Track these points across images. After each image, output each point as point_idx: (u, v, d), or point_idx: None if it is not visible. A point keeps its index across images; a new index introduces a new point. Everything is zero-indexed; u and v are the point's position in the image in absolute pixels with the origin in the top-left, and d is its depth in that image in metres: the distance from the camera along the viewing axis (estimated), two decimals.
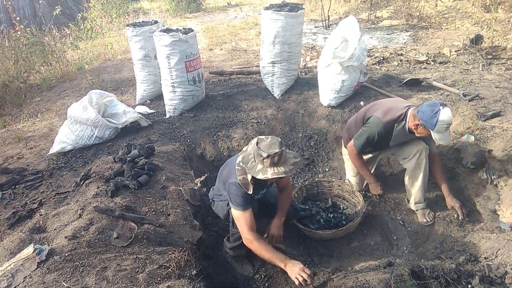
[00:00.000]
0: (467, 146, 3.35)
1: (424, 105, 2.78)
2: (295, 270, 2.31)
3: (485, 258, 2.76)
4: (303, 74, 5.24)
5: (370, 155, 3.42)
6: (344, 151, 3.76)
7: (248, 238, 2.50)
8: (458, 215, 3.07)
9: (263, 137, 2.43)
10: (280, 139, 2.42)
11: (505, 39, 5.68)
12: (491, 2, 6.95)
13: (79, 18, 9.18)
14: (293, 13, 4.23)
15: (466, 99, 3.91)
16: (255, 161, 2.40)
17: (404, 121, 2.94)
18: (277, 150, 2.32)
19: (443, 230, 3.10)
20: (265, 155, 2.32)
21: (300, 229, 3.07)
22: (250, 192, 2.46)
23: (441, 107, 2.69)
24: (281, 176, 2.36)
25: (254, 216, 2.64)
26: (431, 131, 2.75)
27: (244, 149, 2.59)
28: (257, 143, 2.38)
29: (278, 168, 2.35)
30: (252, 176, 2.44)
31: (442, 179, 3.17)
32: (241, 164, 2.50)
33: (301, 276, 2.28)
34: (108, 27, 9.62)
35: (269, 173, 2.34)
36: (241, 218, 2.52)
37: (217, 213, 2.92)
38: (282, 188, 2.86)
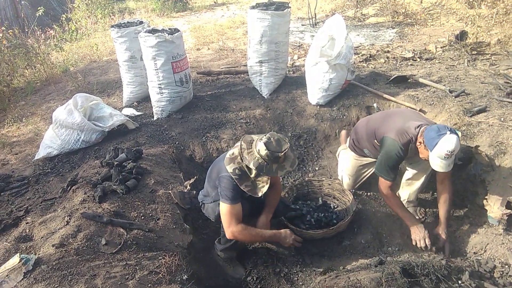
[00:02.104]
0: None
1: (435, 125, 2.65)
2: (287, 239, 2.70)
3: (474, 253, 2.80)
4: (291, 73, 5.24)
5: (374, 160, 3.23)
6: (340, 148, 3.77)
7: (237, 230, 2.54)
8: (440, 243, 2.89)
9: (265, 139, 2.42)
10: (277, 133, 2.53)
11: (488, 35, 5.75)
12: None
13: (63, 19, 9.00)
14: (280, 12, 4.22)
15: (453, 95, 3.95)
16: (269, 164, 2.43)
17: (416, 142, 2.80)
18: (288, 145, 2.46)
19: (433, 226, 3.12)
20: (282, 154, 2.41)
21: (291, 229, 3.05)
22: (263, 192, 2.50)
23: (448, 132, 2.53)
24: (291, 169, 2.52)
25: (244, 216, 2.65)
26: (429, 152, 2.61)
27: (230, 154, 2.56)
28: (267, 147, 2.39)
29: (286, 163, 2.49)
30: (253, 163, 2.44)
31: (445, 203, 2.93)
32: (237, 171, 2.47)
33: (293, 243, 2.71)
34: (94, 28, 9.45)
35: (285, 168, 2.49)
36: (229, 211, 2.54)
37: (207, 216, 2.89)
38: (272, 184, 2.85)
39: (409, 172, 3.19)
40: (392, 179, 2.92)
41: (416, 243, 2.89)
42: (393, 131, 2.84)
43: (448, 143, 2.51)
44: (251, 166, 2.42)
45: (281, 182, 3.03)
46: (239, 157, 2.51)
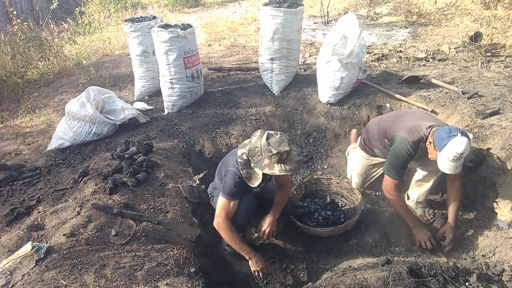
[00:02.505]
0: None
1: (447, 126, 2.62)
2: (254, 266, 2.67)
3: (482, 255, 2.78)
4: (302, 70, 5.23)
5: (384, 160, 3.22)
6: (350, 147, 3.76)
7: (222, 224, 2.59)
8: (445, 242, 2.89)
9: (272, 132, 2.46)
10: (287, 136, 2.47)
11: (504, 37, 5.67)
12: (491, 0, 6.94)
13: (77, 12, 9.10)
14: (293, 9, 4.21)
15: (465, 97, 3.91)
16: (262, 155, 2.44)
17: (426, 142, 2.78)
18: (287, 148, 2.38)
19: (442, 227, 3.11)
20: (274, 151, 2.37)
21: (299, 226, 3.07)
22: (255, 185, 2.51)
23: (459, 134, 2.49)
24: (287, 173, 2.46)
25: (252, 212, 2.76)
26: (438, 153, 2.59)
27: (246, 141, 2.61)
28: (267, 138, 2.41)
29: (284, 165, 2.43)
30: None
31: (454, 203, 2.91)
32: (244, 156, 2.51)
33: (259, 272, 2.68)
34: (106, 22, 9.53)
35: (276, 169, 2.42)
36: (223, 205, 2.60)
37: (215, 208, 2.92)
38: (281, 184, 2.88)
39: (419, 173, 3.17)
40: (399, 179, 2.91)
41: (420, 245, 2.91)
42: (404, 130, 2.83)
43: (458, 145, 2.49)
44: (246, 149, 2.50)
45: (290, 182, 3.02)
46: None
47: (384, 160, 3.15)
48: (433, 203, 3.40)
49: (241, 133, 4.01)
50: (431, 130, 2.72)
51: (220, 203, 2.62)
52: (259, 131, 2.56)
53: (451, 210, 2.93)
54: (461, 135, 2.51)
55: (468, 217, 3.18)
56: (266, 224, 2.78)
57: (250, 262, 2.69)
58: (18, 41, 6.28)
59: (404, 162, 2.87)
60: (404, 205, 3.03)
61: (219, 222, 2.61)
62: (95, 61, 6.78)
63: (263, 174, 2.49)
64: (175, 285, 2.20)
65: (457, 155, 2.50)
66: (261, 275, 2.71)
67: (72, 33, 8.48)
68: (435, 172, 3.03)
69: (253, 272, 2.72)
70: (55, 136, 3.88)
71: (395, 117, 3.08)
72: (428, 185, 3.14)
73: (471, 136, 3.34)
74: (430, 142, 2.70)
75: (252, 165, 2.49)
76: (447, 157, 2.54)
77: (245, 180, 2.51)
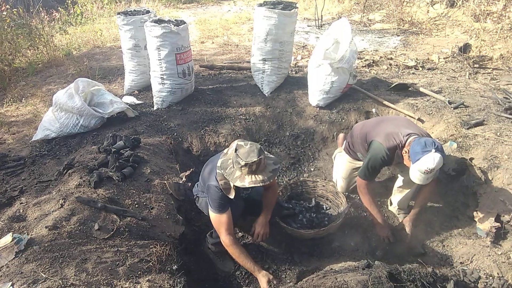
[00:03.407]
0: (449, 153, 3.42)
1: (423, 139, 2.67)
2: (263, 281, 2.51)
3: (460, 263, 2.84)
4: (294, 72, 5.25)
5: None
6: (336, 151, 3.79)
7: (225, 242, 2.56)
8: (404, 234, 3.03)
9: (242, 143, 2.40)
10: (259, 146, 2.40)
11: (492, 49, 5.80)
12: (481, 12, 7.08)
13: (69, 1, 8.97)
14: (287, 12, 4.23)
15: (452, 107, 3.99)
16: (234, 168, 2.39)
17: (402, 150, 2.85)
18: (255, 159, 2.30)
19: (423, 234, 3.17)
20: (243, 163, 2.31)
21: (283, 227, 3.09)
22: (232, 197, 2.47)
23: (433, 150, 2.56)
24: (259, 185, 2.37)
25: (239, 215, 2.71)
26: (411, 164, 2.67)
27: (225, 151, 2.56)
28: (235, 150, 2.36)
29: (256, 176, 2.36)
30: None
31: (420, 199, 3.07)
32: (219, 164, 2.48)
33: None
34: (99, 13, 9.43)
35: (247, 181, 2.35)
36: (218, 221, 2.57)
37: (201, 209, 2.91)
38: (268, 186, 2.88)
39: (400, 180, 3.23)
40: (369, 179, 3.03)
41: (381, 239, 3.09)
42: (382, 136, 2.90)
43: (430, 161, 2.56)
44: (219, 162, 2.47)
45: (277, 184, 3.01)
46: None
47: None
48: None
49: (230, 132, 4.02)
50: (408, 138, 2.78)
51: (215, 219, 2.58)
52: (236, 141, 2.49)
53: (416, 205, 3.08)
54: (435, 151, 2.57)
55: (448, 224, 3.24)
56: (260, 226, 2.78)
57: (258, 278, 2.59)
58: (6, 27, 6.15)
59: (377, 166, 2.95)
60: (371, 202, 3.10)
61: (223, 240, 2.57)
62: (86, 53, 6.70)
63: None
64: (156, 282, 2.20)
65: (428, 170, 2.58)
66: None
67: (63, 23, 8.35)
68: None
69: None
70: (41, 126, 3.83)
71: (376, 123, 3.15)
72: (409, 191, 3.20)
73: (455, 145, 3.42)
74: (406, 152, 2.77)
75: (225, 176, 2.43)
76: (418, 169, 2.62)
77: (223, 191, 2.47)
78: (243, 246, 3.04)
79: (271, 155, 2.59)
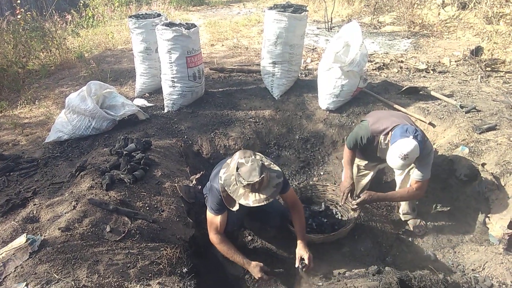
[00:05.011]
0: (461, 158, 3.39)
1: (406, 126, 2.76)
2: (255, 271, 2.58)
3: (472, 270, 2.81)
4: (303, 76, 5.25)
5: (366, 162, 3.45)
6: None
7: (213, 240, 2.66)
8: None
9: (243, 160, 2.34)
10: (261, 162, 2.35)
11: (504, 52, 5.72)
12: (493, 14, 6.99)
13: (81, 4, 9.10)
14: (297, 15, 4.24)
15: (463, 111, 3.95)
16: (237, 185, 2.36)
17: (387, 138, 2.90)
18: (257, 179, 2.27)
19: (433, 240, 3.15)
20: (245, 182, 2.28)
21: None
22: (234, 209, 2.47)
23: (411, 136, 2.64)
24: (263, 203, 2.32)
25: (239, 220, 2.79)
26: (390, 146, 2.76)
27: (228, 161, 2.53)
28: (237, 168, 2.32)
29: (260, 194, 2.33)
30: None
31: (394, 192, 3.11)
32: (222, 181, 2.44)
33: (262, 275, 2.57)
34: (110, 15, 9.55)
35: (251, 200, 2.32)
36: (211, 221, 2.66)
37: None
38: (291, 205, 2.81)
39: (397, 184, 3.21)
40: (349, 147, 3.18)
41: (340, 191, 3.21)
42: (373, 118, 3.05)
43: (405, 146, 2.63)
44: (222, 178, 2.43)
45: (299, 201, 2.91)
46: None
47: (372, 164, 3.43)
48: (425, 215, 3.43)
49: (240, 135, 4.03)
50: (395, 126, 2.84)
51: (209, 218, 2.67)
52: (237, 153, 2.44)
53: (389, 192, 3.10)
54: (413, 138, 2.64)
55: (459, 231, 3.21)
56: (306, 256, 2.63)
57: (249, 270, 2.64)
58: (20, 30, 6.27)
59: (356, 140, 3.07)
60: (346, 163, 3.24)
61: (211, 237, 2.69)
62: (97, 55, 6.78)
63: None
64: (167, 285, 2.21)
65: (402, 155, 2.64)
66: (264, 278, 2.60)
67: (75, 26, 8.46)
68: (407, 182, 3.08)
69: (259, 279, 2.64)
70: (54, 128, 3.88)
71: (377, 111, 3.32)
72: None
73: (466, 150, 3.39)
74: (390, 137, 2.85)
75: (229, 194, 2.41)
76: (394, 152, 2.69)
77: (225, 202, 2.47)
78: (253, 249, 3.06)
79: (275, 168, 2.52)
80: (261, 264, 2.62)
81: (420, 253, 3.10)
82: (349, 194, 3.14)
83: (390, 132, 2.86)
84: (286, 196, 2.75)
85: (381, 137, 2.94)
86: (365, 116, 3.25)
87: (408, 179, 3.03)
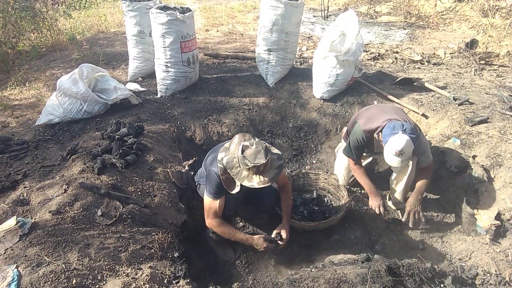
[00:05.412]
0: (452, 150, 3.43)
1: (393, 122, 2.77)
2: (260, 243, 2.65)
3: (459, 259, 2.87)
4: (298, 64, 5.22)
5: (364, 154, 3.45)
6: (339, 145, 3.81)
7: (212, 223, 2.67)
8: (410, 218, 3.02)
9: (247, 143, 2.39)
10: (265, 145, 2.41)
11: (499, 46, 5.75)
12: (489, 8, 7.00)
13: None
14: (294, 2, 4.19)
15: (456, 103, 3.97)
16: (240, 167, 2.40)
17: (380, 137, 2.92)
18: (263, 161, 2.33)
19: (422, 229, 3.19)
20: (251, 165, 2.33)
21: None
22: (234, 192, 2.50)
23: (400, 132, 2.66)
24: (267, 185, 2.41)
25: (236, 205, 2.80)
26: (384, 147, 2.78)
27: (227, 145, 2.56)
28: (242, 151, 2.36)
29: (263, 176, 2.40)
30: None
31: (419, 183, 3.08)
32: (223, 163, 2.46)
33: (268, 245, 2.67)
34: None
35: (255, 182, 2.39)
36: (209, 206, 2.65)
37: (202, 196, 2.93)
38: (281, 185, 2.92)
39: (393, 174, 3.26)
40: (353, 157, 3.17)
41: (373, 208, 3.17)
42: (363, 119, 3.05)
43: (397, 143, 2.65)
44: (224, 160, 2.45)
45: (290, 183, 3.03)
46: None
47: (368, 154, 3.45)
48: (424, 206, 3.44)
49: (233, 122, 4.02)
50: (388, 122, 2.85)
51: (207, 203, 2.67)
52: (237, 136, 2.50)
53: (415, 189, 3.08)
54: (402, 133, 2.65)
55: (448, 221, 3.26)
56: (285, 233, 2.75)
57: (252, 245, 2.70)
58: (10, 10, 6.10)
59: (356, 147, 3.11)
60: (361, 175, 3.21)
61: (209, 222, 2.68)
62: (89, 37, 6.66)
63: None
64: (158, 269, 2.22)
65: (397, 152, 2.66)
66: (268, 249, 2.70)
67: (67, 7, 8.28)
68: (404, 172, 3.13)
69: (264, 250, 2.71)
70: (45, 111, 3.83)
71: (367, 108, 3.30)
72: (401, 184, 3.21)
73: (458, 142, 3.42)
74: (381, 136, 2.86)
75: (232, 176, 2.44)
76: (390, 151, 2.71)
77: (224, 186, 2.50)
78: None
79: (275, 150, 2.60)
80: (263, 235, 2.74)
81: (409, 242, 3.14)
82: (383, 207, 3.12)
83: (380, 133, 2.88)
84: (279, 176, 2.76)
85: (375, 135, 2.97)
86: (357, 116, 3.24)
87: (408, 167, 3.06)
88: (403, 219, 3.06)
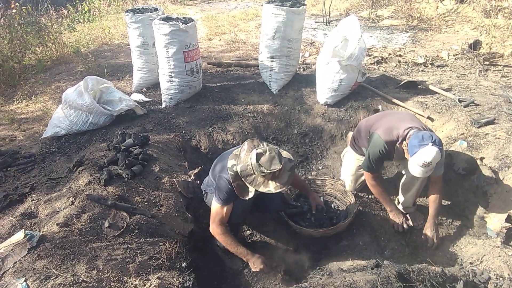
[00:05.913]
0: (459, 152, 3.40)
1: (421, 133, 2.72)
2: (257, 263, 2.64)
3: (470, 263, 2.82)
4: (301, 70, 5.23)
5: None
6: (345, 150, 3.79)
7: (216, 230, 2.66)
8: (429, 242, 3.01)
9: (260, 150, 2.40)
10: (278, 150, 2.43)
11: (503, 46, 5.72)
12: (492, 8, 6.97)
13: None
14: (295, 9, 4.21)
15: (462, 105, 3.95)
16: (255, 174, 2.42)
17: (402, 146, 2.89)
18: (279, 167, 2.36)
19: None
20: (267, 172, 2.36)
21: (291, 226, 3.10)
22: (247, 198, 2.52)
23: (430, 144, 2.61)
24: (283, 188, 2.46)
25: (245, 212, 2.78)
26: (410, 157, 2.72)
27: (237, 152, 2.57)
28: (257, 159, 2.37)
29: (279, 181, 2.43)
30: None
31: (434, 202, 3.04)
32: (235, 169, 2.48)
33: (264, 267, 2.64)
34: (107, 10, 9.46)
35: (272, 187, 2.43)
36: (217, 212, 2.65)
37: (209, 205, 2.93)
38: (299, 184, 3.16)
39: (404, 177, 3.22)
40: (374, 171, 3.08)
41: (394, 227, 3.17)
42: (382, 129, 2.97)
43: (427, 155, 2.60)
44: (238, 168, 2.46)
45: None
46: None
47: None
48: (424, 208, 3.44)
49: (238, 130, 4.02)
50: (408, 132, 2.82)
51: (214, 209, 2.66)
52: (246, 143, 2.51)
53: (431, 209, 3.06)
54: (432, 145, 2.60)
55: (457, 224, 3.22)
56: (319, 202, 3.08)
57: (249, 263, 2.71)
58: (16, 25, 6.20)
59: (377, 159, 3.00)
60: (382, 192, 3.17)
61: (213, 228, 2.68)
62: (94, 50, 6.73)
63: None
64: (166, 279, 2.21)
65: (426, 163, 2.62)
66: (264, 271, 2.69)
67: (71, 20, 8.39)
68: (417, 178, 3.07)
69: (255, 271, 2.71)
70: (51, 124, 3.86)
71: (380, 117, 3.22)
72: (413, 189, 3.18)
73: (465, 144, 3.39)
74: (405, 145, 2.81)
75: (247, 184, 2.46)
76: (416, 162, 2.67)
77: (236, 192, 2.51)
78: (252, 243, 3.07)
79: (283, 152, 2.62)
80: (263, 257, 2.69)
81: (418, 247, 3.10)
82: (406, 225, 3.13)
83: (404, 141, 2.83)
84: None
85: (397, 145, 2.91)
86: (372, 126, 3.12)
87: (415, 180, 3.05)
88: (413, 224, 3.03)
